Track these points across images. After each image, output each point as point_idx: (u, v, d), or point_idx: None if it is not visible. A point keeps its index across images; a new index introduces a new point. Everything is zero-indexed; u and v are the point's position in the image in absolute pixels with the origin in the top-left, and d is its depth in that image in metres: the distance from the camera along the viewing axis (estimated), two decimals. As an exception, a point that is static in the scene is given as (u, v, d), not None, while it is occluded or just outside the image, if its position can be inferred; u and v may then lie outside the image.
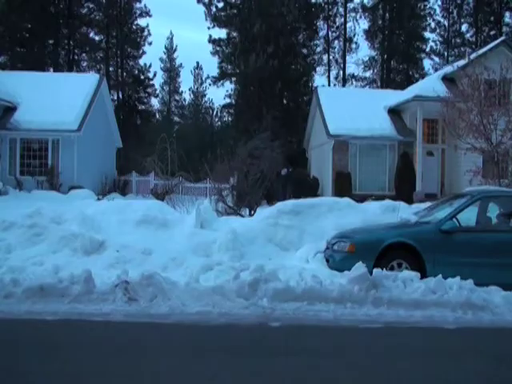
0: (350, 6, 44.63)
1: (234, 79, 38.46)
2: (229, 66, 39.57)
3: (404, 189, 21.06)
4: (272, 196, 18.90)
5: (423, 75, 41.81)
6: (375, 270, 7.22)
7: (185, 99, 55.10)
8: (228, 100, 40.64)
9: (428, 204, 11.28)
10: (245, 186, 15.30)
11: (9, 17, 36.64)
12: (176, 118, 55.30)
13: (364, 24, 60.95)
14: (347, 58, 44.68)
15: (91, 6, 43.16)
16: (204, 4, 38.61)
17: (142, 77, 45.63)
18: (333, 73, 45.41)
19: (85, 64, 44.54)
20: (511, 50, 21.24)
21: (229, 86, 42.76)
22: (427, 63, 69.47)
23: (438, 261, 7.82)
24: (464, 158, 19.01)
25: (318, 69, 43.61)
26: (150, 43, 44.98)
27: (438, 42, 46.52)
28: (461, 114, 16.03)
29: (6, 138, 21.93)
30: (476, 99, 15.60)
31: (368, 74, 46.36)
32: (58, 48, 41.81)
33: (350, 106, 23.60)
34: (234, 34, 37.98)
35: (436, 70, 39.55)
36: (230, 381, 4.39)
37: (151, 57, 64.84)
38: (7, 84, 22.96)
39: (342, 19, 44.54)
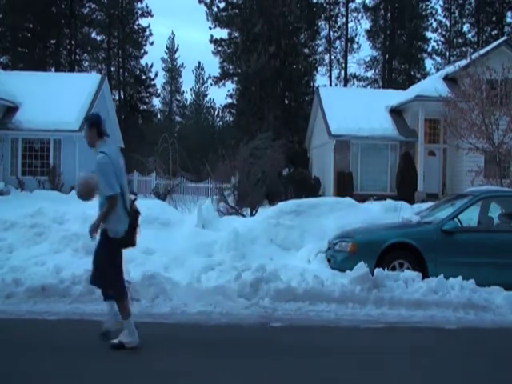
0: (352, 6, 44.68)
1: (235, 79, 38.44)
2: (230, 66, 39.56)
3: (405, 189, 21.02)
4: (273, 196, 18.89)
5: (425, 75, 41.74)
6: (377, 270, 7.22)
7: (186, 99, 55.24)
8: (229, 100, 40.64)
9: (429, 204, 11.27)
10: (246, 186, 15.29)
11: (11, 17, 36.72)
12: (177, 118, 55.36)
13: (366, 24, 61.24)
14: (349, 57, 44.71)
15: (93, 6, 43.18)
16: (205, 4, 38.60)
17: (144, 77, 45.66)
18: (334, 73, 45.49)
19: (86, 64, 44.63)
20: (513, 49, 21.22)
21: (230, 86, 42.83)
22: (429, 63, 69.44)
23: (440, 261, 7.82)
24: (466, 157, 19.00)
25: (319, 69, 43.66)
26: (152, 43, 45.04)
27: (439, 42, 46.52)
28: (462, 114, 16.01)
29: (7, 137, 21.94)
30: (478, 99, 15.59)
31: (369, 73, 46.42)
32: (59, 48, 41.87)
33: (352, 106, 23.56)
34: (236, 34, 37.94)
35: (438, 70, 39.49)
36: (231, 381, 4.39)
37: (153, 57, 65.06)
38: (9, 84, 22.97)
39: (344, 19, 44.57)
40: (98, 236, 5.07)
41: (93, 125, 5.14)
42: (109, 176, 4.95)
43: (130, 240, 5.16)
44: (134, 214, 5.17)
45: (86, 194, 5.19)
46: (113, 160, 5.03)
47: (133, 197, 5.32)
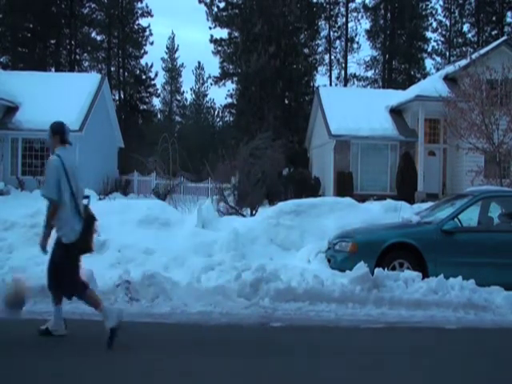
0: (352, 5, 44.66)
1: (235, 79, 38.43)
2: (230, 66, 39.55)
3: (405, 189, 21.03)
4: (273, 196, 18.89)
5: (425, 75, 41.72)
6: (377, 270, 7.22)
7: (186, 99, 55.14)
8: (229, 100, 40.61)
9: (429, 204, 11.28)
10: (246, 186, 15.28)
11: (11, 17, 36.72)
12: (177, 118, 55.30)
13: (366, 24, 61.10)
14: (349, 57, 44.68)
15: (93, 5, 43.17)
16: (205, 4, 38.59)
17: (144, 77, 45.64)
18: (334, 73, 45.45)
19: (86, 64, 44.60)
20: (513, 49, 21.22)
21: (230, 86, 42.81)
22: (429, 63, 69.32)
23: (440, 261, 7.82)
24: (466, 157, 19.02)
25: (319, 69, 43.61)
26: (152, 43, 44.99)
27: (439, 42, 46.50)
28: (462, 114, 16.02)
29: (7, 137, 21.95)
30: (478, 99, 15.60)
31: (369, 73, 46.38)
32: (59, 48, 41.87)
33: (352, 106, 23.57)
34: (236, 34, 37.93)
35: (438, 69, 39.47)
36: (231, 381, 4.39)
37: (153, 57, 64.91)
38: (9, 84, 22.97)
39: (344, 19, 44.55)
40: (48, 248, 5.12)
41: (56, 133, 5.43)
42: (53, 179, 5.06)
43: (84, 245, 5.14)
44: (88, 220, 5.17)
45: (16, 298, 5.14)
46: (65, 165, 5.13)
47: (85, 202, 5.30)
